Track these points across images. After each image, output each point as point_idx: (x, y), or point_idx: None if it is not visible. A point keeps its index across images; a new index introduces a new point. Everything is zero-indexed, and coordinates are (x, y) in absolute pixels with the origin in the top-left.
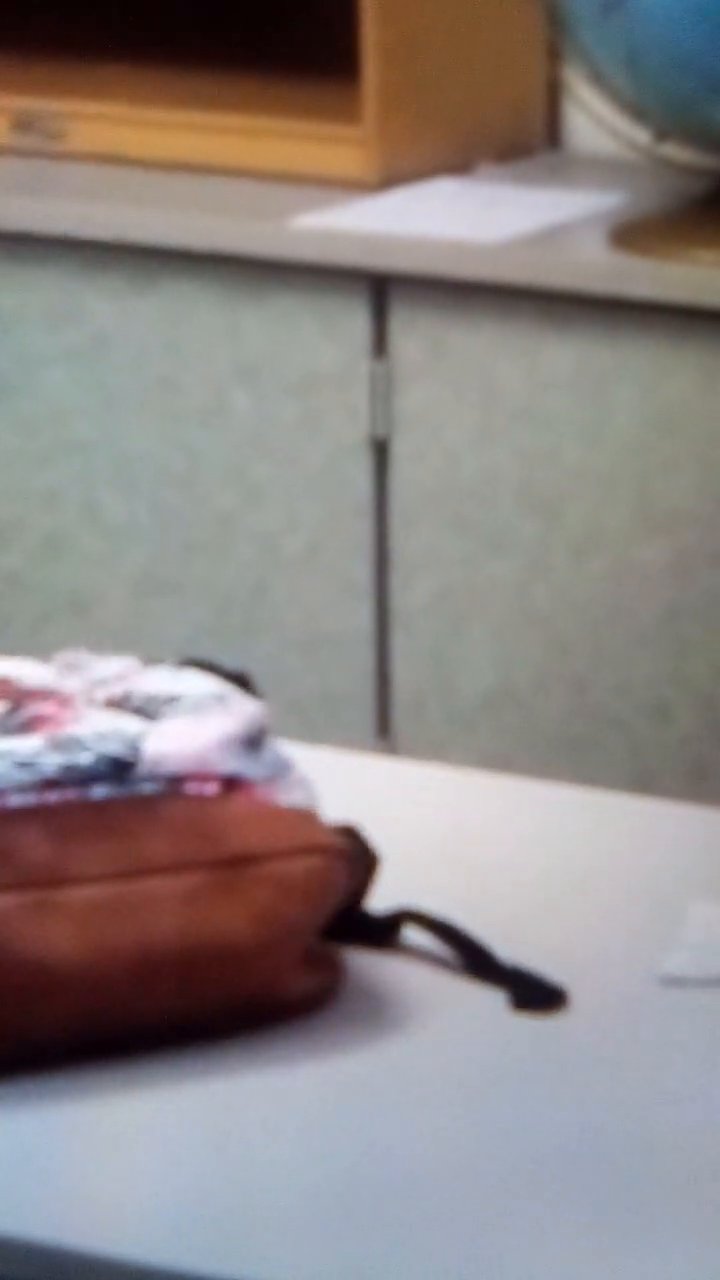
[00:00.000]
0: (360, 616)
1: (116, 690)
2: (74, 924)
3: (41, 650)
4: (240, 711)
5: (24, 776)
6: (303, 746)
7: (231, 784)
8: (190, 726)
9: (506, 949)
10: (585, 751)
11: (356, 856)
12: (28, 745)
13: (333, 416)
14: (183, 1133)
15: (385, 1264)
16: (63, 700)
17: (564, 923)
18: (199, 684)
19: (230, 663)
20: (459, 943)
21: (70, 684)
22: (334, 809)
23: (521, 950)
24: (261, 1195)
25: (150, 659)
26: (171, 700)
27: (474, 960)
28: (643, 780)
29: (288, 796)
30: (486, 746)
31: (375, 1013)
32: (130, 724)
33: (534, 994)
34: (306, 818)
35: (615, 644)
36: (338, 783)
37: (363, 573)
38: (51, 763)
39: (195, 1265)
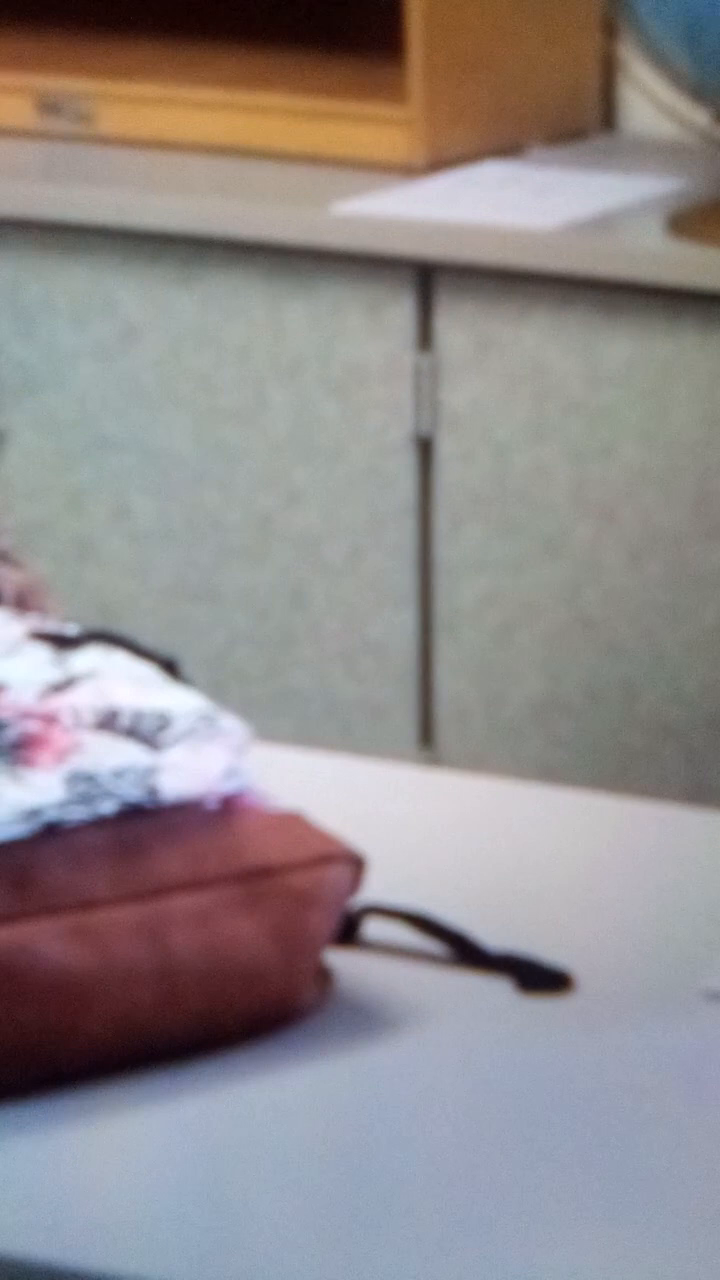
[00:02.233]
0: (404, 622)
1: (98, 704)
2: (96, 948)
3: None
4: (230, 737)
5: (49, 823)
6: (343, 757)
7: (228, 796)
8: (194, 760)
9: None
10: (639, 763)
11: (362, 861)
12: (47, 791)
13: (375, 413)
14: (189, 1147)
15: (394, 1269)
16: (48, 717)
17: (615, 938)
18: (178, 699)
19: (267, 671)
20: (442, 935)
21: (23, 675)
22: (375, 823)
23: (568, 965)
24: (274, 1206)
25: (61, 623)
26: (163, 725)
27: (462, 952)
28: (699, 792)
29: (274, 801)
30: (535, 757)
31: (373, 1014)
32: (136, 754)
33: (537, 978)
34: (307, 825)
35: (671, 650)
36: (379, 795)
37: (406, 577)
38: (77, 815)
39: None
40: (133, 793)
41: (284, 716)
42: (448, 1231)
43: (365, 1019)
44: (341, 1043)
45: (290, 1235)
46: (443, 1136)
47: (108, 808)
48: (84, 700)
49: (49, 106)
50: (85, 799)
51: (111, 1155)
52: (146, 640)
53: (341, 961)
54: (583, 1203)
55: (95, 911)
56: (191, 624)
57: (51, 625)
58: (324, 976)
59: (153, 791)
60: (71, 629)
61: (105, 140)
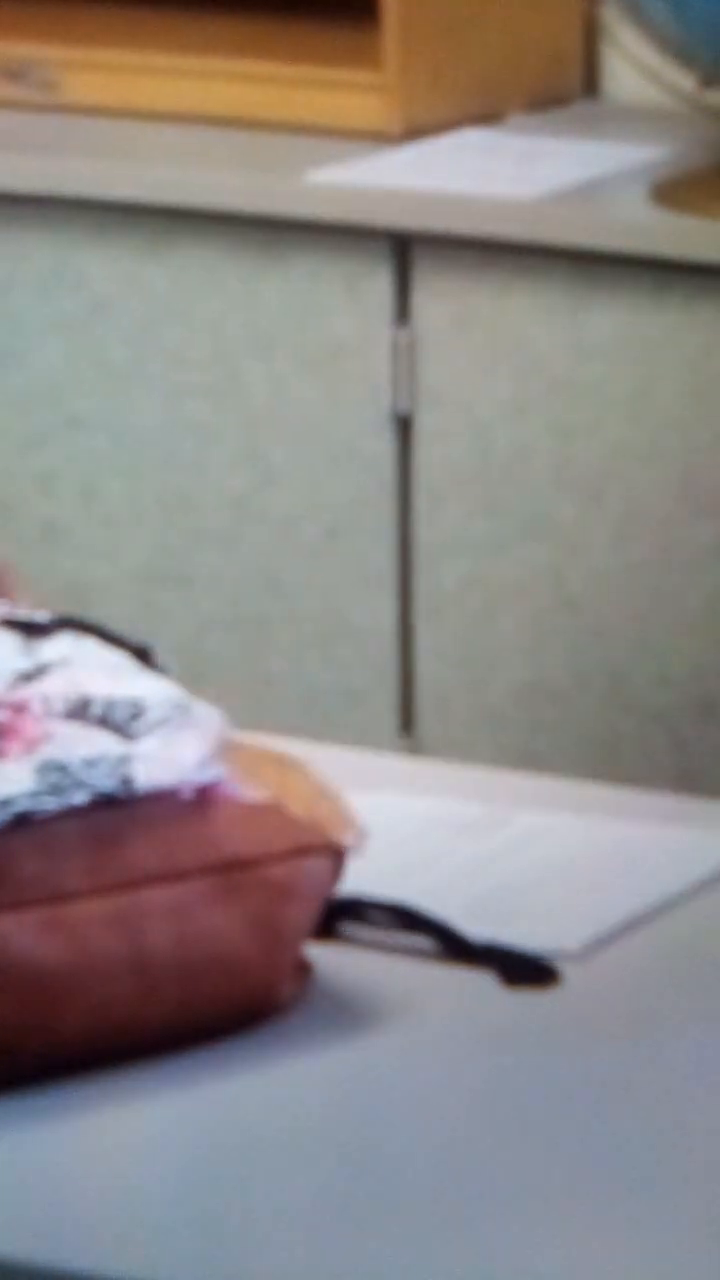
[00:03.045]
0: (382, 606)
1: (69, 693)
2: (71, 941)
3: None
4: (205, 725)
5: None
6: (321, 746)
7: (204, 786)
8: (169, 749)
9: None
10: (626, 749)
11: (344, 853)
12: (18, 782)
13: (352, 390)
14: (168, 1144)
15: (381, 1265)
16: (17, 706)
17: (603, 929)
18: (152, 687)
19: (242, 657)
20: (425, 927)
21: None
22: (355, 813)
23: (554, 957)
24: (256, 1204)
25: (32, 607)
26: (136, 713)
27: (446, 945)
28: (687, 779)
29: (253, 791)
30: (519, 745)
31: (355, 1009)
32: (109, 743)
33: (522, 971)
34: (285, 815)
35: (658, 634)
36: (357, 785)
37: (385, 559)
38: (50, 804)
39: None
40: (106, 783)
41: (259, 704)
42: (434, 1228)
43: (347, 1014)
44: (322, 1038)
45: (273, 1232)
46: (428, 1133)
47: (80, 798)
48: (54, 689)
49: (11, 73)
50: (57, 789)
51: (88, 1154)
52: (118, 626)
53: (322, 955)
54: (573, 1200)
55: (68, 904)
56: (164, 609)
57: (21, 612)
58: (303, 970)
59: (126, 781)
60: (41, 616)
61: (71, 108)
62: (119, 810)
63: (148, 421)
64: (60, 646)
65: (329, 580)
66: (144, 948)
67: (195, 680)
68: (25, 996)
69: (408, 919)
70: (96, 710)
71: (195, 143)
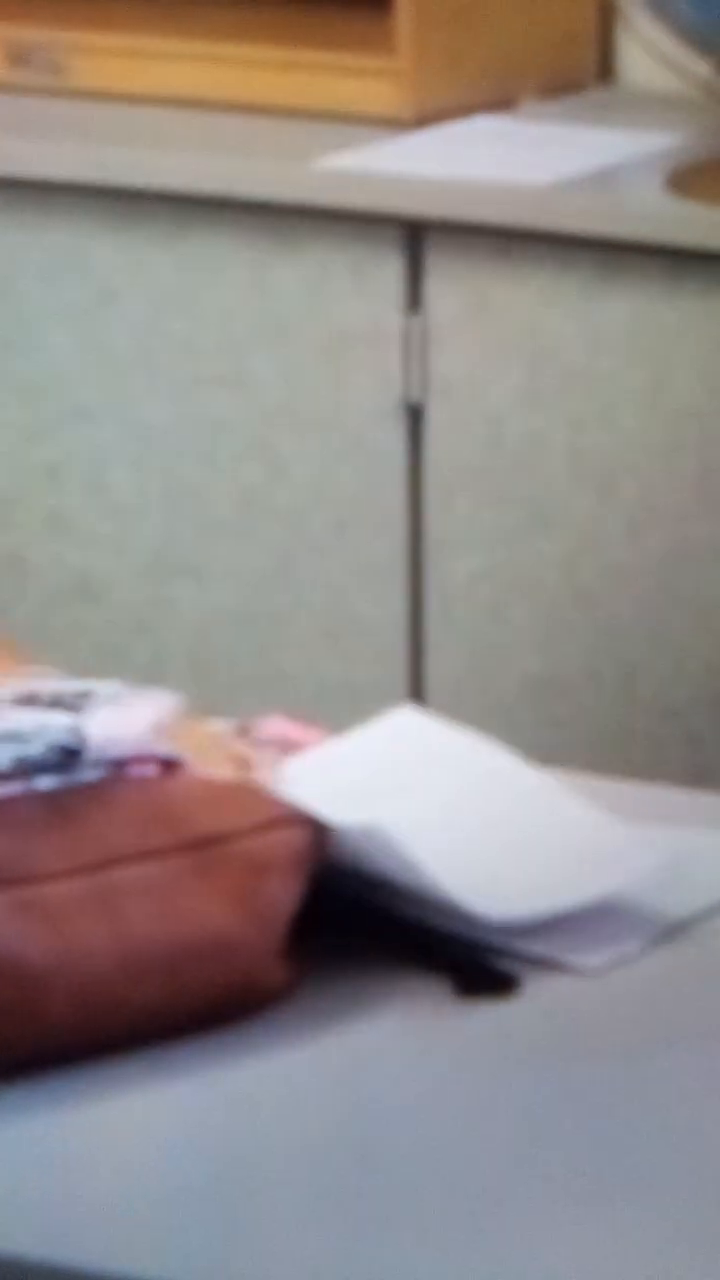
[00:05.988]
0: (393, 599)
1: (17, 689)
2: (48, 924)
3: (45, 640)
4: (157, 701)
5: None
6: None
7: (168, 764)
8: (121, 714)
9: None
10: (639, 745)
11: (321, 827)
12: None
13: (363, 380)
14: (164, 1133)
15: (387, 1262)
16: None
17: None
18: (96, 683)
19: (250, 651)
20: (395, 924)
21: None
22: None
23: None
24: (252, 1194)
25: None
26: (84, 694)
27: (417, 944)
28: (701, 775)
29: (220, 771)
30: (530, 740)
31: (352, 998)
32: (58, 717)
33: (481, 980)
34: (255, 791)
35: (672, 628)
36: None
37: (395, 551)
38: (3, 756)
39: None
40: (59, 737)
41: (268, 697)
42: (432, 1223)
43: (342, 1004)
44: (317, 1028)
45: (266, 1225)
46: (426, 1128)
47: (35, 750)
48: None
49: (18, 57)
50: (13, 737)
51: (78, 1147)
52: (126, 619)
53: (318, 945)
54: (575, 1198)
55: (42, 885)
56: (172, 601)
57: None
58: (297, 956)
59: (81, 738)
60: None
61: (78, 93)
62: (83, 790)
63: (155, 412)
64: None
65: (338, 573)
66: (125, 928)
67: (204, 673)
68: (6, 983)
69: (377, 929)
70: (46, 698)
71: (205, 129)
